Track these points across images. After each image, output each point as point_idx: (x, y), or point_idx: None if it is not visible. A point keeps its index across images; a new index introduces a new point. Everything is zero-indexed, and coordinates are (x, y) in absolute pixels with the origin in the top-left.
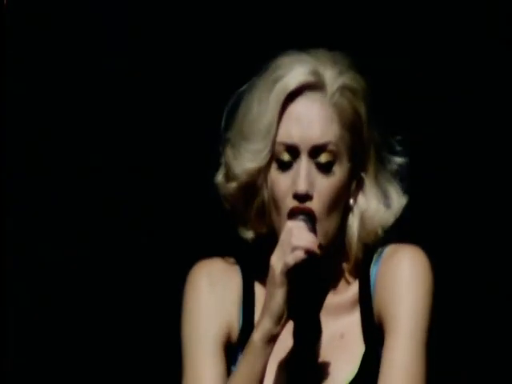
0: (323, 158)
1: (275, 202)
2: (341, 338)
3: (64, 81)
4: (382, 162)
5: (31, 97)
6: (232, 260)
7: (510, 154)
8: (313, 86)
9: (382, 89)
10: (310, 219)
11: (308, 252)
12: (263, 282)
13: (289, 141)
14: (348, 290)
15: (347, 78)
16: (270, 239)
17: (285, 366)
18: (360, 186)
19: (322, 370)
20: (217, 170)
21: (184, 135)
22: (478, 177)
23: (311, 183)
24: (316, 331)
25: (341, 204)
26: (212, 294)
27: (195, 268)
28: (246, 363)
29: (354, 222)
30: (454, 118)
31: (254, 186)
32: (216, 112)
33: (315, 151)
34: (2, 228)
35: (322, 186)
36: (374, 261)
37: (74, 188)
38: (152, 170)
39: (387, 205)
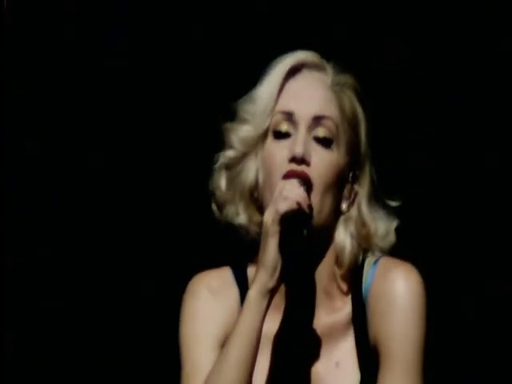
0: (321, 132)
1: (270, 174)
2: (336, 367)
3: (64, 81)
4: (374, 196)
5: (31, 97)
6: (228, 270)
7: (509, 154)
8: (314, 67)
9: (381, 89)
10: (306, 183)
11: (299, 205)
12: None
13: (287, 109)
14: (341, 308)
15: (349, 78)
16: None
17: None
18: (354, 197)
19: None
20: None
21: (184, 136)
22: (478, 177)
23: (308, 151)
24: (310, 294)
25: (336, 188)
26: (211, 302)
27: (194, 280)
28: (244, 319)
29: (347, 227)
30: (453, 118)
31: (249, 158)
32: (216, 113)
33: (314, 123)
34: (1, 228)
35: (320, 157)
36: (365, 273)
37: (74, 188)
38: (151, 171)
39: (375, 230)
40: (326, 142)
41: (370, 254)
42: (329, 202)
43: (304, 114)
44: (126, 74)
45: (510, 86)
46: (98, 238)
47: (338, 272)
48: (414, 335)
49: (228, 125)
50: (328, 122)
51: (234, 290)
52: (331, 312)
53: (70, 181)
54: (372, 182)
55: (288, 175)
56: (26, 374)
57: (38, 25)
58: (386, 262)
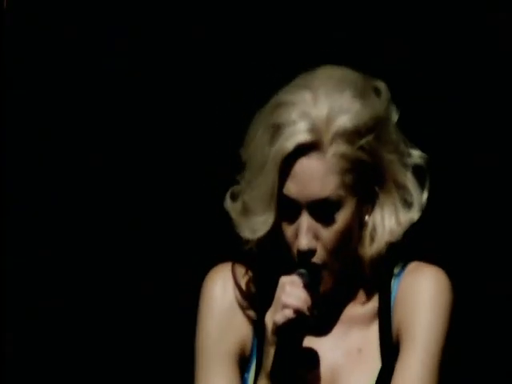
0: (324, 209)
1: (287, 245)
2: (358, 353)
3: (64, 81)
4: (401, 161)
5: (31, 97)
6: (247, 262)
7: (510, 154)
8: (309, 145)
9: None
10: (312, 273)
11: (297, 312)
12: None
13: (289, 195)
14: (368, 302)
15: (347, 119)
16: (282, 239)
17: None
18: (374, 201)
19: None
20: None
21: (185, 136)
22: (478, 178)
23: (314, 236)
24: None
25: (348, 244)
26: (226, 302)
27: (210, 275)
28: None
29: (366, 235)
30: (454, 118)
31: (269, 236)
32: (216, 113)
33: (315, 205)
34: (1, 228)
35: (326, 237)
36: (395, 274)
37: (74, 188)
38: (151, 171)
39: (408, 204)
40: (329, 217)
41: (400, 259)
42: (344, 256)
43: (304, 199)
44: (126, 74)
45: (510, 86)
46: (98, 237)
47: (361, 277)
48: (437, 328)
49: (238, 221)
50: (328, 201)
51: (252, 284)
52: (356, 305)
53: (70, 181)
54: (394, 159)
55: (299, 263)
56: (26, 374)
57: (38, 25)
58: (415, 264)
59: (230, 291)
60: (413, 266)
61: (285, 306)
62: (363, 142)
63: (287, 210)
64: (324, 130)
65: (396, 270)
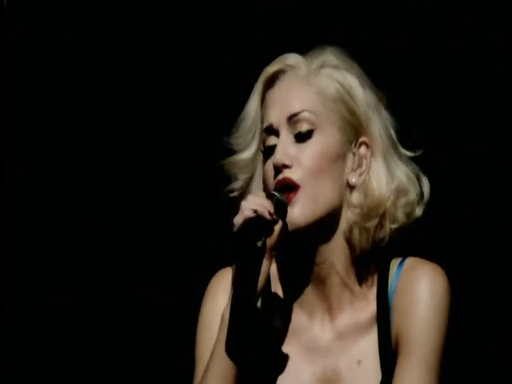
0: (301, 127)
1: (265, 189)
2: (358, 365)
3: (63, 81)
4: (393, 146)
5: (31, 96)
6: None
7: (509, 152)
8: (288, 71)
9: (380, 87)
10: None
11: (256, 213)
12: (281, 284)
13: (267, 124)
14: (365, 307)
15: (327, 56)
16: (284, 239)
17: None
18: (364, 164)
19: None
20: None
21: (185, 136)
22: (477, 177)
23: (289, 154)
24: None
25: (329, 172)
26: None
27: (214, 279)
28: (221, 339)
29: (351, 198)
30: (453, 118)
31: (253, 177)
32: (217, 113)
33: (291, 123)
34: (1, 228)
35: (302, 154)
36: (391, 273)
37: (74, 188)
38: (151, 171)
39: (397, 190)
40: (306, 135)
41: (395, 255)
42: (325, 183)
43: (279, 119)
44: (126, 75)
45: (510, 86)
46: (99, 238)
47: (353, 256)
48: (434, 335)
49: (225, 161)
50: (304, 115)
51: None
52: (354, 310)
53: (70, 181)
54: (386, 139)
55: (274, 188)
56: (26, 374)
57: (38, 25)
58: (412, 261)
59: None
60: (410, 263)
61: (241, 210)
62: (345, 79)
63: (268, 145)
64: (305, 64)
65: (393, 268)
